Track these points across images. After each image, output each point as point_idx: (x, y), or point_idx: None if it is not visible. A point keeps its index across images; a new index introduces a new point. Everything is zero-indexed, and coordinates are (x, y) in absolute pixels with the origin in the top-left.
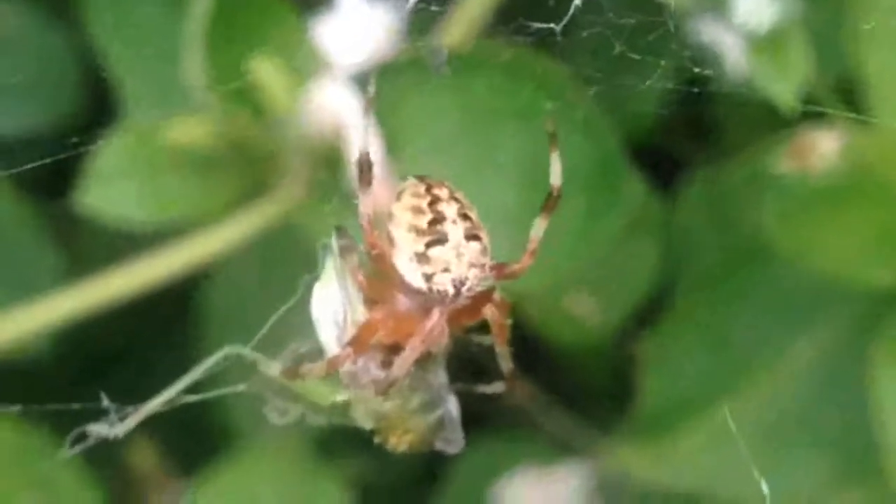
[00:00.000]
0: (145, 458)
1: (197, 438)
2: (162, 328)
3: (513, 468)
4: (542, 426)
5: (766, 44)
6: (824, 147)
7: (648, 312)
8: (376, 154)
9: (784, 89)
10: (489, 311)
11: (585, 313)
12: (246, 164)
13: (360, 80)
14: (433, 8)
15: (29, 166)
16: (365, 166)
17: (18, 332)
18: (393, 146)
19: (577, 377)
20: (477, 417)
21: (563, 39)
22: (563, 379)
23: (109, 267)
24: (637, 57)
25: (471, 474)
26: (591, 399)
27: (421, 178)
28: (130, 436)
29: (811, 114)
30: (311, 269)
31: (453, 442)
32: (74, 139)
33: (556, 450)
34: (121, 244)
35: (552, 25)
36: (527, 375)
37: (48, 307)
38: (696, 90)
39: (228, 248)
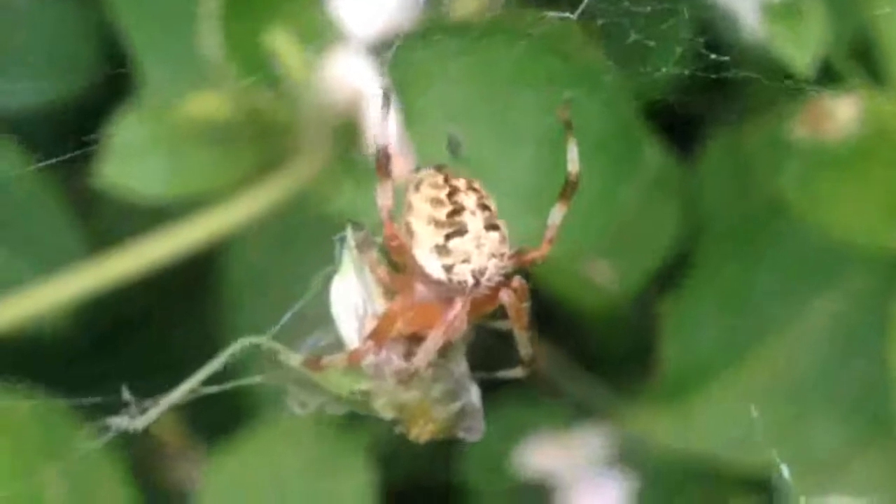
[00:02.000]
0: (167, 427)
1: (218, 406)
2: (181, 301)
3: (534, 432)
4: (564, 392)
5: (783, 9)
6: (841, 113)
7: (669, 275)
8: (393, 128)
9: (800, 55)
10: (507, 297)
11: (605, 279)
12: (263, 138)
13: (377, 51)
14: None
15: (55, 160)
16: (383, 158)
17: (40, 308)
18: (410, 118)
19: (598, 341)
20: (497, 383)
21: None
22: (584, 343)
23: (128, 242)
24: (652, 44)
25: (492, 438)
26: (612, 363)
27: (439, 169)
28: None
29: (830, 77)
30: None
31: (474, 430)
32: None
33: (577, 414)
34: (139, 219)
35: (568, 14)
36: (548, 340)
37: (68, 282)
38: (712, 76)
39: (246, 221)
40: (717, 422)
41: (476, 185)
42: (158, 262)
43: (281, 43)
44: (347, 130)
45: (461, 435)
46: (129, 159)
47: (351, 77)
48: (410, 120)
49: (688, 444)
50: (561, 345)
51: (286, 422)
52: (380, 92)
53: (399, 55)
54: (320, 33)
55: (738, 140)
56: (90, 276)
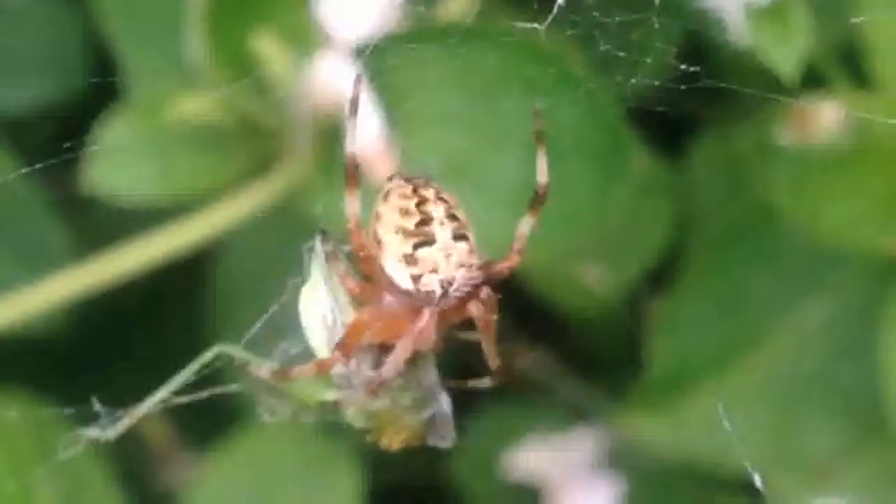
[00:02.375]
0: (158, 430)
1: (208, 409)
2: (169, 303)
3: (526, 434)
4: (555, 394)
5: (768, 12)
6: (825, 116)
7: (659, 278)
8: (366, 134)
9: (785, 58)
10: (475, 308)
11: (596, 281)
12: (250, 140)
13: (361, 54)
14: None
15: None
16: (352, 167)
17: (28, 309)
18: (395, 119)
19: (588, 344)
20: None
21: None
22: (575, 346)
23: (117, 243)
24: (622, 55)
25: (484, 440)
26: (604, 364)
27: (408, 179)
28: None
29: (814, 82)
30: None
31: (446, 437)
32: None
33: (568, 416)
34: (127, 221)
35: (536, 25)
36: (538, 343)
37: (58, 283)
38: (682, 87)
39: (235, 223)
40: (708, 424)
41: (445, 196)
42: (146, 265)
43: (267, 46)
44: (333, 133)
45: (432, 442)
46: (116, 162)
47: (336, 80)
48: (395, 123)
49: (678, 446)
50: (551, 347)
51: (276, 425)
52: (351, 100)
53: (384, 60)
54: (306, 37)
55: (727, 144)
56: (78, 279)
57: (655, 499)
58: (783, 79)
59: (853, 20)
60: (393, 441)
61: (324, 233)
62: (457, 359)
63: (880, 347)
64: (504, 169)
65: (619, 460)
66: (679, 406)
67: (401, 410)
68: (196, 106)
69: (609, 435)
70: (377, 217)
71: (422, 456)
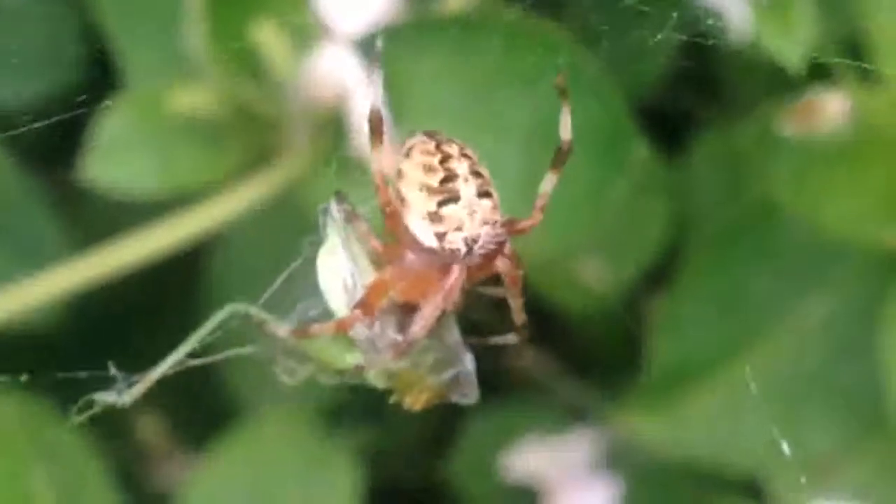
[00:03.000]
0: (153, 430)
1: (204, 411)
2: (169, 298)
3: (523, 435)
4: (553, 394)
5: (772, 5)
6: (830, 108)
7: (659, 275)
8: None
9: (790, 49)
10: (502, 264)
11: (595, 278)
12: (249, 132)
13: (362, 46)
14: None
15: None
16: (376, 122)
17: (25, 303)
18: (396, 110)
19: (588, 342)
20: (487, 385)
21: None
22: (574, 344)
23: (114, 237)
24: (647, 9)
25: (481, 441)
26: (602, 364)
27: (430, 135)
28: (137, 407)
29: (819, 73)
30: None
31: (469, 395)
32: (78, 110)
33: (566, 416)
34: (124, 215)
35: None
36: (536, 342)
37: (55, 278)
38: (709, 42)
39: (234, 216)
40: (708, 423)
41: (468, 152)
42: (144, 258)
43: (266, 37)
44: (333, 126)
45: (456, 399)
46: (114, 155)
47: (336, 71)
48: (396, 115)
49: (677, 445)
50: (549, 346)
51: (272, 423)
52: (370, 59)
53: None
54: (306, 28)
55: (728, 139)
56: (76, 273)
57: (654, 499)
58: (789, 70)
59: (857, 13)
60: (416, 401)
61: (339, 193)
62: (475, 316)
63: (881, 345)
64: (505, 160)
65: (617, 461)
66: (678, 405)
67: (424, 370)
68: (194, 99)
69: (607, 435)
70: (400, 174)
71: (419, 455)
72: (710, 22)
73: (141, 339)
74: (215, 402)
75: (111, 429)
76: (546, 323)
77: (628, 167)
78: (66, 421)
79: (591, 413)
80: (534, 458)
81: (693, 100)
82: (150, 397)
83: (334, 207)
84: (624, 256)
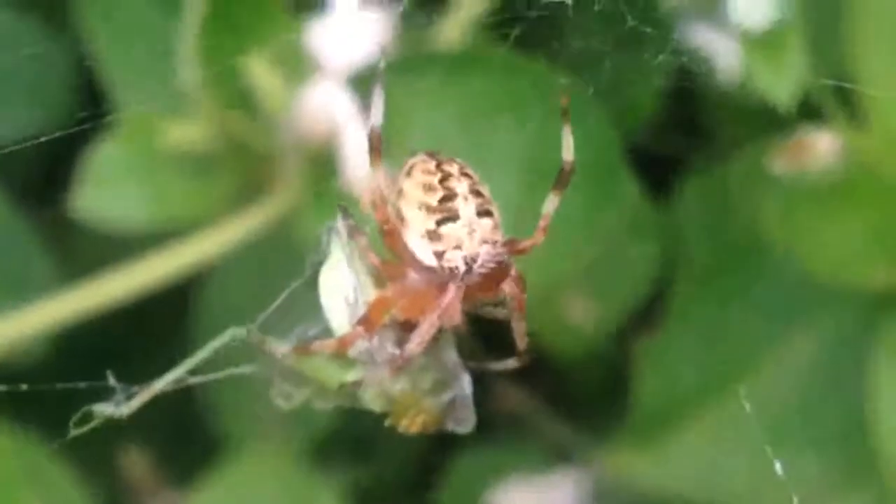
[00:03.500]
0: (139, 466)
1: (190, 447)
2: (158, 331)
3: (509, 475)
4: (538, 432)
5: (762, 42)
6: (821, 146)
7: (645, 314)
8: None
9: (780, 88)
10: (508, 287)
11: (582, 317)
12: (241, 166)
13: (354, 82)
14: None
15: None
16: (376, 140)
17: (14, 336)
18: (387, 141)
19: (574, 381)
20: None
21: (575, 14)
22: (560, 383)
23: (104, 270)
24: (649, 30)
25: (466, 481)
26: (588, 403)
27: (431, 154)
28: (124, 444)
29: (807, 113)
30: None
31: (465, 421)
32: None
33: (552, 456)
34: (114, 248)
35: None
36: (523, 381)
37: (44, 311)
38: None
39: (224, 250)
40: (695, 461)
41: (468, 171)
42: (137, 290)
43: (259, 72)
44: (325, 160)
45: (451, 427)
46: (105, 187)
47: (327, 106)
48: (388, 145)
49: (665, 483)
50: (536, 385)
51: (259, 459)
52: (377, 73)
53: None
54: (298, 63)
55: (716, 178)
56: (64, 306)
57: None
58: (778, 108)
59: (847, 54)
60: (412, 424)
61: (345, 209)
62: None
63: (868, 385)
64: (498, 191)
65: (604, 500)
66: (666, 442)
67: (420, 393)
68: (186, 132)
69: (592, 475)
70: (400, 193)
71: (405, 493)
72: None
73: (130, 372)
74: (202, 437)
75: (98, 464)
76: (532, 361)
77: (618, 202)
78: (57, 451)
79: (576, 452)
80: (520, 497)
81: (680, 142)
82: (137, 432)
83: (340, 223)
84: (611, 295)
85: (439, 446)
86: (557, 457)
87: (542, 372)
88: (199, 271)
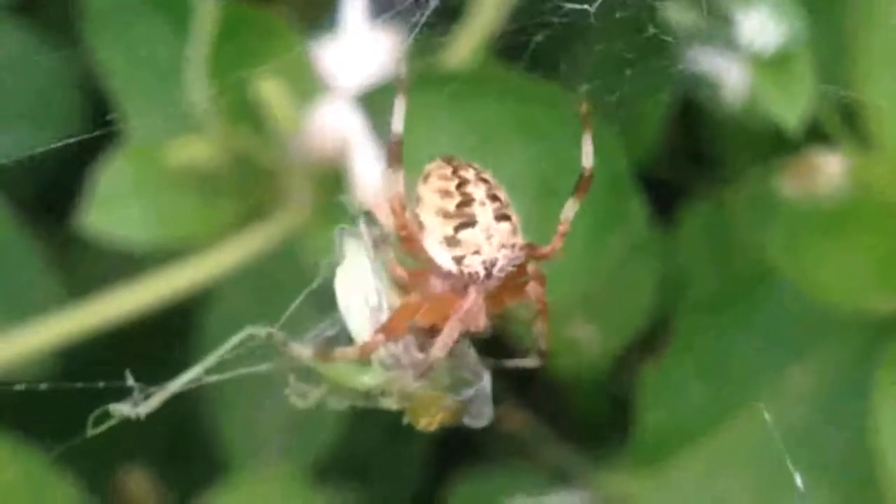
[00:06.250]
0: (139, 486)
1: (192, 468)
2: (162, 349)
3: (510, 497)
4: (538, 456)
5: (771, 65)
6: (828, 170)
7: (649, 338)
8: (377, 175)
9: (789, 111)
10: (532, 290)
11: (586, 341)
12: (248, 185)
13: (363, 101)
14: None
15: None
16: (396, 148)
17: (18, 353)
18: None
19: (576, 404)
20: (473, 447)
21: (597, 21)
22: (562, 406)
23: (109, 288)
24: (669, 39)
25: (467, 503)
26: (590, 426)
27: (447, 160)
28: (124, 463)
29: (814, 137)
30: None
31: (483, 415)
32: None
33: (554, 479)
34: (121, 266)
35: (586, 7)
36: (525, 404)
37: (47, 328)
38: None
39: (230, 268)
40: (695, 487)
41: (486, 176)
42: (140, 309)
43: (268, 90)
44: (332, 179)
45: (468, 422)
46: (113, 205)
47: (336, 126)
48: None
49: None
50: (538, 409)
51: (260, 481)
52: (398, 80)
53: (385, 106)
54: (307, 81)
55: (721, 203)
56: (70, 323)
57: None
58: (786, 131)
59: (853, 79)
60: (432, 422)
61: (368, 215)
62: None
63: (872, 415)
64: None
65: None
66: (667, 468)
67: (440, 391)
68: (194, 151)
69: (592, 499)
70: (418, 199)
71: None
72: (704, 88)
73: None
74: (203, 458)
75: (98, 483)
76: (534, 385)
77: (626, 225)
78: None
79: (578, 475)
80: None
81: (685, 167)
82: (138, 453)
83: (364, 229)
84: (615, 319)
85: (440, 467)
86: (559, 479)
87: (544, 394)
88: (205, 290)
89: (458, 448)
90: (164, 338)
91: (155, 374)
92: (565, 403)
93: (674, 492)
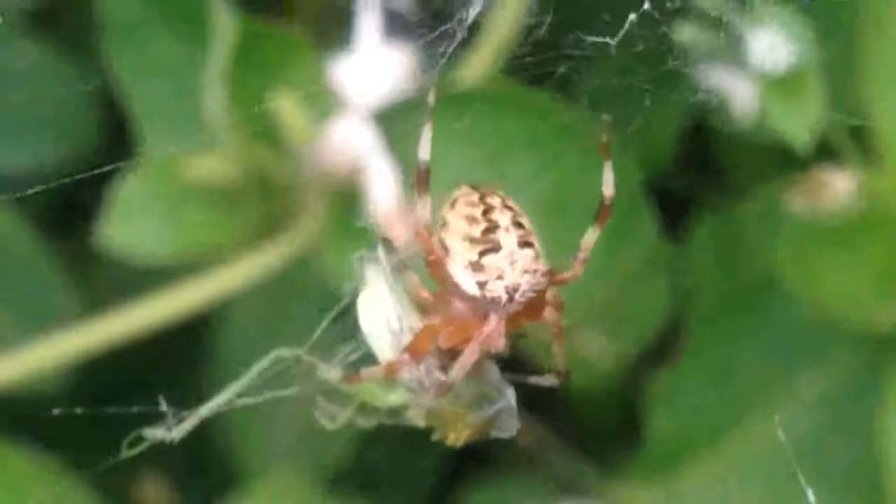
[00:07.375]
0: (156, 494)
1: (207, 477)
2: (177, 363)
3: None
4: (549, 466)
5: (781, 84)
6: (837, 186)
7: (657, 351)
8: (392, 191)
9: (798, 129)
10: (549, 315)
11: (597, 353)
12: (264, 200)
13: (379, 118)
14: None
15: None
16: (423, 173)
17: (33, 368)
18: (408, 179)
19: (586, 414)
20: (484, 458)
21: (617, 53)
22: (572, 416)
23: (124, 303)
24: (688, 71)
25: None
26: (600, 437)
27: (474, 187)
28: (140, 471)
29: (822, 154)
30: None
31: (510, 427)
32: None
33: (563, 490)
34: (135, 281)
35: (607, 39)
36: (534, 414)
37: (63, 343)
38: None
39: (245, 284)
40: (705, 497)
41: (510, 203)
42: (157, 324)
43: (284, 107)
44: (347, 194)
45: (495, 434)
46: (129, 219)
47: (352, 143)
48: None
49: None
50: (548, 418)
51: (274, 490)
52: (427, 108)
53: (399, 123)
54: (323, 98)
55: (730, 217)
56: (87, 337)
57: None
58: (796, 148)
59: (862, 98)
60: (459, 438)
61: (386, 242)
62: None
63: (879, 422)
64: None
65: None
66: (677, 478)
67: (466, 408)
68: (211, 165)
69: None
70: (444, 224)
71: None
72: (714, 105)
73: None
74: (219, 467)
75: (113, 491)
76: (544, 395)
77: (638, 239)
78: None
79: (588, 486)
80: None
81: (695, 181)
82: (152, 461)
83: (382, 255)
84: (625, 330)
85: (450, 479)
86: (569, 489)
87: (554, 405)
88: (221, 304)
89: (469, 458)
90: (177, 351)
91: (169, 389)
92: (575, 413)
93: (684, 501)
